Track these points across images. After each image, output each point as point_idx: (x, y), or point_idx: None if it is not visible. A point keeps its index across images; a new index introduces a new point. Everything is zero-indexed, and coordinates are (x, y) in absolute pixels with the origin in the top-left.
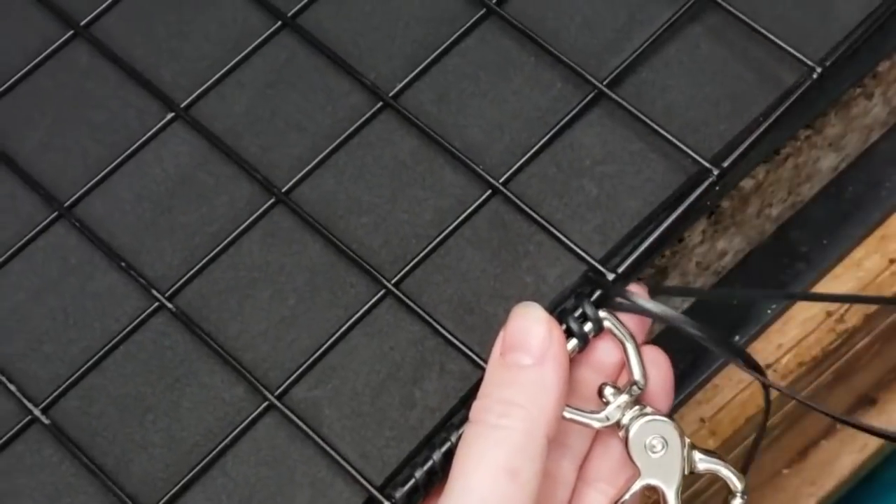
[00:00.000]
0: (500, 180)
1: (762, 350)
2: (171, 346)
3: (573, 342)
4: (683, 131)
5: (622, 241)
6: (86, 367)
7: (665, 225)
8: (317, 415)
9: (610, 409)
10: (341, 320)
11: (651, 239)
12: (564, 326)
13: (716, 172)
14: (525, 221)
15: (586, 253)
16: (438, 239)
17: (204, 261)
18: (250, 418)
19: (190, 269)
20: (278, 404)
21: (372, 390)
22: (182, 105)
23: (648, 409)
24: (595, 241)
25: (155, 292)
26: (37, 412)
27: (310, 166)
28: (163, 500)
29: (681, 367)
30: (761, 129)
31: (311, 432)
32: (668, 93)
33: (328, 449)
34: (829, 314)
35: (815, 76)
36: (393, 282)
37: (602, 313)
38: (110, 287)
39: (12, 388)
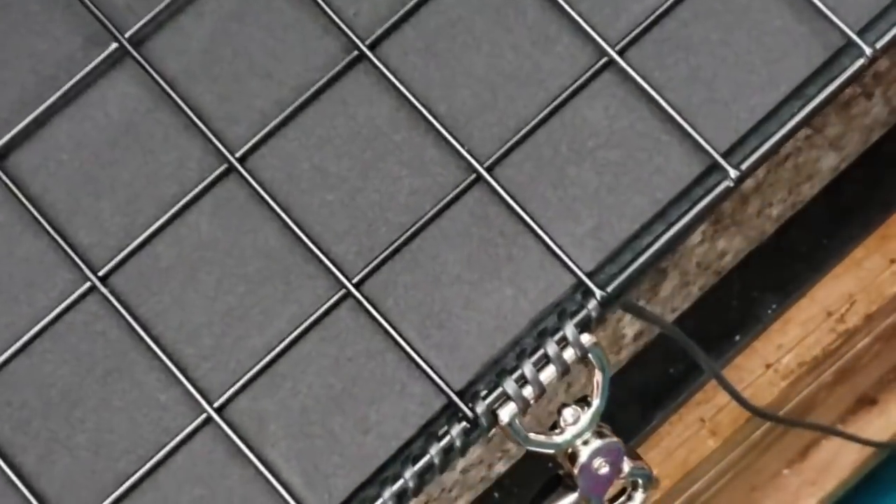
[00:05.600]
0: (488, 162)
1: (762, 350)
2: (103, 333)
3: (550, 370)
4: (707, 107)
5: (617, 249)
6: (10, 351)
7: (665, 238)
8: (261, 430)
9: (568, 436)
10: (296, 320)
11: (648, 254)
12: (542, 351)
13: (733, 175)
14: (510, 218)
15: (576, 264)
16: (411, 231)
17: (146, 232)
18: (187, 431)
19: (129, 238)
20: (217, 419)
21: (323, 407)
22: (128, 35)
23: (603, 431)
24: (587, 247)
25: (87, 271)
26: None
27: (272, 125)
28: None
29: (681, 368)
30: (794, 121)
31: (251, 455)
32: (693, 53)
33: (269, 476)
34: (829, 314)
35: (863, 60)
36: (355, 281)
37: (586, 339)
38: (40, 253)
39: None
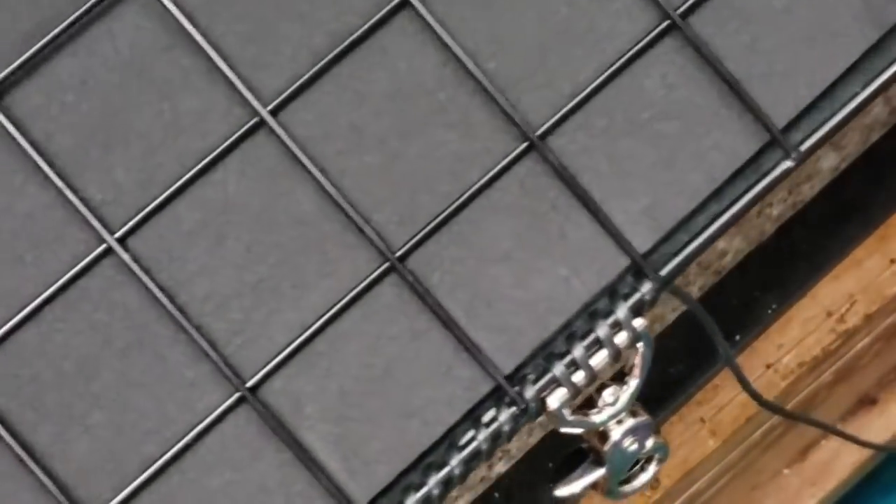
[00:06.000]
0: (540, 130)
1: (763, 350)
2: (121, 301)
3: (603, 354)
4: (766, 80)
5: (673, 229)
6: (18, 318)
7: (723, 219)
8: (296, 412)
9: (605, 416)
10: (334, 295)
11: (704, 236)
12: (593, 335)
13: (794, 155)
14: (563, 192)
15: (631, 244)
16: (458, 202)
17: (166, 191)
18: (219, 411)
19: (147, 197)
20: (251, 398)
21: (363, 389)
22: None
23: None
24: (642, 226)
25: (103, 231)
26: None
27: (307, 75)
28: None
29: (681, 368)
30: (859, 98)
31: (287, 438)
32: (754, 22)
33: (307, 460)
34: (829, 314)
35: None
36: (399, 254)
37: (638, 323)
38: (46, 209)
39: None
